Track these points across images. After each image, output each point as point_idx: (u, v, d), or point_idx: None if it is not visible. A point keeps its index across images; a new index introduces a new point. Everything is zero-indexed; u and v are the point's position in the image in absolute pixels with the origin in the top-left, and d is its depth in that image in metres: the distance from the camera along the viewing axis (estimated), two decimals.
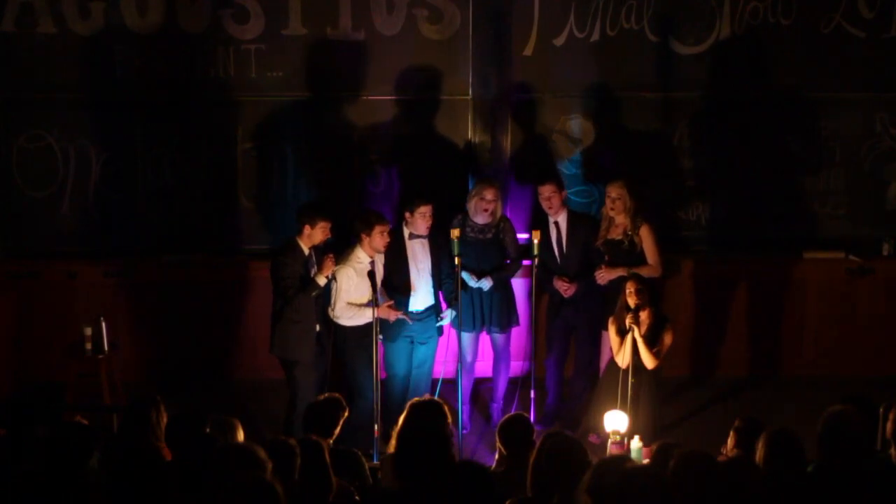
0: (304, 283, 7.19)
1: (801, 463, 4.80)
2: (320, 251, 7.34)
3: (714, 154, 8.93)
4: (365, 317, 7.25)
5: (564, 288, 7.63)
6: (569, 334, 7.88)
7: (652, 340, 6.93)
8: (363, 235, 7.31)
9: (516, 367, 8.19)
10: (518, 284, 8.33)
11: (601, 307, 7.68)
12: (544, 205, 7.69)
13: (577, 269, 7.70)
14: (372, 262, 7.34)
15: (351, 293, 7.30)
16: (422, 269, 7.56)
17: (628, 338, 6.86)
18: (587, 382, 7.92)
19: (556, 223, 7.75)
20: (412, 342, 7.62)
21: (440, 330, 7.71)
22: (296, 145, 8.76)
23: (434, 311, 7.64)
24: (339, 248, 7.47)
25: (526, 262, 7.99)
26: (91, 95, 8.63)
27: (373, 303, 7.09)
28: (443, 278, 7.62)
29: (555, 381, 7.94)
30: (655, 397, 7.11)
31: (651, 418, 7.02)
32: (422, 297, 7.56)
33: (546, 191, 7.67)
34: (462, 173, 8.69)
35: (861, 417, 4.82)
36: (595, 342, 7.82)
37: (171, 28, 8.50)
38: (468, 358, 7.76)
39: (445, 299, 7.69)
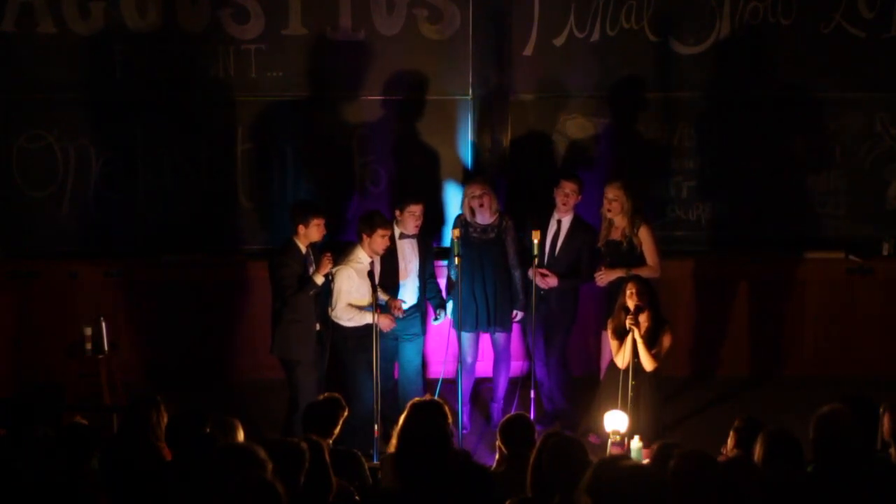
0: (302, 283, 7.20)
1: (800, 463, 4.80)
2: (318, 249, 7.35)
3: (714, 154, 8.93)
4: (365, 319, 7.25)
5: (542, 281, 7.59)
6: (545, 331, 7.84)
7: (650, 342, 6.92)
8: (364, 236, 7.32)
9: (516, 366, 8.19)
10: None
11: (574, 308, 7.76)
12: (560, 199, 7.65)
13: (562, 272, 7.68)
14: (371, 263, 7.35)
15: (351, 294, 7.30)
16: (410, 268, 7.60)
17: (628, 339, 6.85)
18: (563, 379, 7.89)
19: (559, 221, 7.73)
20: (396, 339, 7.64)
21: (424, 329, 7.74)
22: (296, 145, 8.76)
23: (418, 309, 7.67)
24: (338, 248, 7.47)
25: None
26: (91, 95, 8.63)
27: (373, 307, 7.09)
28: (426, 279, 7.66)
29: (542, 376, 7.91)
30: (657, 398, 7.10)
31: (653, 419, 7.02)
32: (408, 295, 7.59)
33: (568, 187, 7.63)
34: (461, 173, 8.69)
35: (853, 417, 4.81)
36: (565, 341, 7.83)
37: (171, 28, 8.50)
38: (468, 359, 7.76)
39: (431, 304, 7.71)
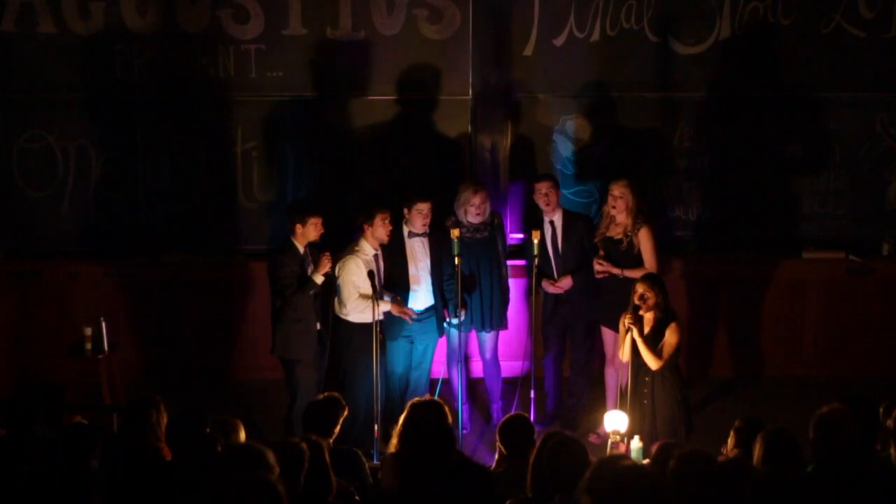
0: (301, 283, 7.20)
1: (799, 463, 4.80)
2: (317, 249, 7.35)
3: (714, 154, 8.93)
4: (379, 309, 7.20)
5: (553, 288, 7.61)
6: (565, 333, 7.87)
7: (654, 340, 6.87)
8: (365, 226, 7.31)
9: (516, 366, 8.19)
10: (516, 284, 8.32)
11: (597, 306, 7.71)
12: (541, 202, 7.67)
13: (573, 268, 7.70)
14: (375, 255, 7.33)
15: (359, 285, 7.28)
16: (421, 268, 7.55)
17: (628, 336, 6.84)
18: (585, 381, 7.93)
19: (552, 223, 7.74)
20: (411, 342, 7.61)
21: (441, 331, 7.70)
22: (296, 145, 8.76)
23: (434, 311, 7.63)
24: (338, 249, 7.48)
25: (521, 262, 8.01)
26: (91, 95, 8.63)
27: (373, 301, 7.08)
28: (445, 279, 7.61)
29: (554, 381, 7.95)
30: (676, 397, 6.88)
31: (672, 417, 6.84)
32: (422, 296, 7.55)
33: (544, 187, 7.66)
34: (461, 173, 8.69)
35: (853, 417, 4.82)
36: (591, 341, 7.84)
37: (171, 28, 8.50)
38: (461, 355, 7.71)
39: (451, 304, 7.63)
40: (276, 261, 7.26)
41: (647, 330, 6.81)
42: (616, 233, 7.57)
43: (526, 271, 8.14)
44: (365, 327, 7.25)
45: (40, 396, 5.86)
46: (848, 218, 9.05)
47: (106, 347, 7.98)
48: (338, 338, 7.44)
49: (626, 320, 6.78)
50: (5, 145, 8.66)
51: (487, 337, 7.79)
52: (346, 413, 5.76)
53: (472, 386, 8.25)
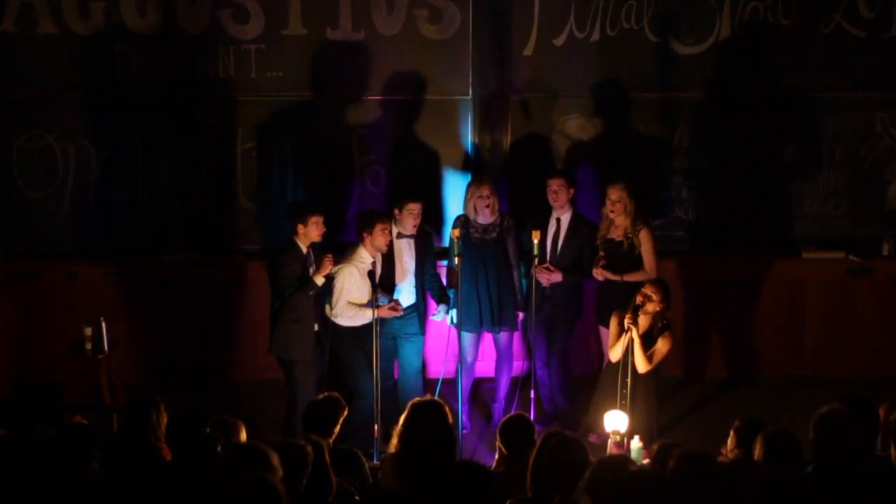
0: (302, 283, 7.21)
1: (800, 462, 4.80)
2: (319, 250, 7.35)
3: (714, 154, 8.93)
4: (364, 317, 7.25)
5: (545, 276, 7.60)
6: (550, 330, 7.86)
7: (646, 344, 6.93)
8: (365, 234, 7.33)
9: (516, 366, 8.19)
10: None
11: (579, 303, 7.80)
12: (550, 198, 7.68)
13: (566, 269, 7.69)
14: (373, 263, 7.35)
15: (352, 293, 7.31)
16: (407, 268, 7.59)
17: (625, 336, 6.87)
18: (565, 379, 7.91)
19: (559, 220, 7.75)
20: (395, 338, 7.64)
21: (423, 330, 7.72)
22: (296, 145, 8.76)
23: (416, 309, 7.66)
24: (340, 249, 7.48)
25: None
26: (91, 95, 8.62)
27: (372, 303, 7.10)
28: (426, 278, 7.65)
29: (543, 377, 7.92)
30: (653, 398, 7.06)
31: (647, 418, 6.98)
32: (405, 295, 7.58)
33: (555, 184, 7.67)
34: (461, 173, 8.69)
35: (852, 417, 4.82)
36: (567, 339, 7.86)
37: (171, 28, 8.50)
38: (469, 358, 7.76)
39: (434, 298, 7.70)
40: (278, 261, 7.27)
41: (639, 332, 6.88)
42: (616, 235, 7.60)
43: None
44: (352, 330, 7.32)
45: (40, 396, 5.86)
46: (848, 218, 9.05)
47: (106, 347, 7.97)
48: (333, 339, 7.46)
49: (626, 320, 6.82)
50: (5, 145, 8.65)
51: (499, 337, 7.82)
52: (346, 413, 5.76)
53: (475, 386, 8.25)
